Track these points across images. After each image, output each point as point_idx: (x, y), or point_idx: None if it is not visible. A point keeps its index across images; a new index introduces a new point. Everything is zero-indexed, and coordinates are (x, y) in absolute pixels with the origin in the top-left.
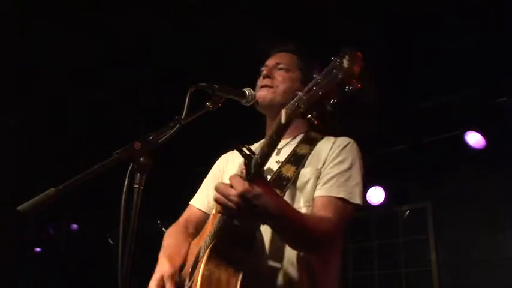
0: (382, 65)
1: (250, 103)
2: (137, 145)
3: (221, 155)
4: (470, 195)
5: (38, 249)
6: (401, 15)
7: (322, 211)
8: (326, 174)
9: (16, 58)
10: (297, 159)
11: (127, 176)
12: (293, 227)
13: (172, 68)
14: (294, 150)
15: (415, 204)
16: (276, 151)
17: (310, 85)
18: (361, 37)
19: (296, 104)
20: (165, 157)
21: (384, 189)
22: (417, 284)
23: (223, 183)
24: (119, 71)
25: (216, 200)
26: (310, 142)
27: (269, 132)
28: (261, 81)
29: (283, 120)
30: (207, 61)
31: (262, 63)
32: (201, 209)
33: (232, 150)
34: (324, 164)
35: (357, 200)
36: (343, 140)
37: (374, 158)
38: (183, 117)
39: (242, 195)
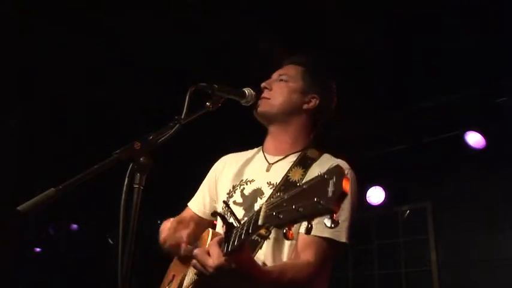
0: (382, 65)
1: (250, 103)
2: (137, 145)
3: (218, 157)
4: (470, 195)
5: (38, 249)
6: (401, 15)
7: (304, 251)
8: None
9: (16, 58)
10: (287, 188)
11: (127, 176)
12: (272, 286)
13: (172, 68)
14: (286, 175)
15: (415, 204)
16: (267, 166)
17: (295, 191)
18: (361, 37)
19: (278, 209)
20: (165, 157)
21: (384, 189)
22: (417, 284)
23: (200, 250)
24: (119, 71)
25: (194, 266)
26: (304, 164)
27: (247, 220)
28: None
29: (260, 223)
30: (207, 61)
31: (262, 65)
32: (197, 213)
33: (228, 153)
34: None
35: (343, 239)
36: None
37: (374, 158)
38: (183, 117)
39: (218, 268)
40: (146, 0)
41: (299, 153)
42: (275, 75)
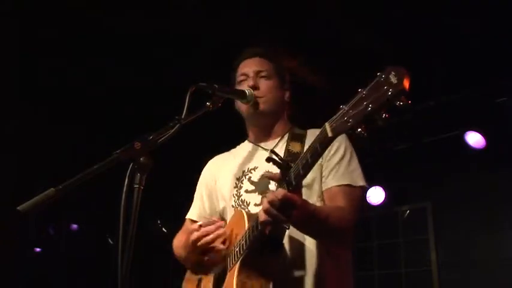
0: (382, 65)
1: (250, 103)
2: (137, 145)
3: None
4: (470, 195)
5: (38, 249)
6: (401, 15)
7: (332, 202)
8: (326, 167)
9: (16, 58)
10: (294, 158)
11: (127, 176)
12: (321, 226)
13: (172, 68)
14: (287, 149)
15: (415, 204)
16: (265, 152)
17: (355, 100)
18: (361, 37)
19: (344, 118)
20: (165, 157)
21: (384, 189)
22: (417, 284)
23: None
24: (119, 71)
25: (266, 210)
26: (298, 138)
27: (312, 143)
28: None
29: (330, 134)
30: (207, 61)
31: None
32: (199, 221)
33: (218, 154)
34: (322, 158)
35: (360, 182)
36: None
37: (374, 158)
38: (183, 117)
39: (284, 200)
40: (146, 0)
41: (287, 133)
42: (249, 71)
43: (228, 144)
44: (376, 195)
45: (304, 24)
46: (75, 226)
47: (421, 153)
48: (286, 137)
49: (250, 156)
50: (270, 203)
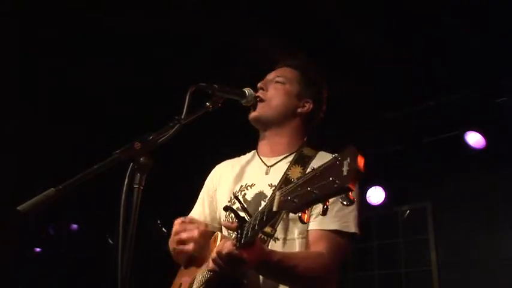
0: (382, 65)
1: (250, 103)
2: (137, 145)
3: (217, 158)
4: (470, 195)
5: (38, 249)
6: (401, 15)
7: (315, 246)
8: (317, 206)
9: (16, 58)
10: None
11: (127, 176)
12: (286, 275)
13: (172, 68)
14: (285, 174)
15: (415, 204)
16: (265, 169)
17: (308, 176)
18: (361, 37)
19: (291, 195)
20: (165, 157)
21: (384, 189)
22: (417, 284)
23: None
24: (119, 71)
25: (213, 260)
26: (302, 162)
27: (260, 211)
28: (256, 93)
29: (274, 208)
30: (207, 61)
31: (262, 65)
32: None
33: (225, 160)
34: None
35: (352, 229)
36: None
37: (374, 158)
38: (183, 117)
39: (229, 257)
40: (146, 0)
41: (295, 153)
42: (271, 76)
43: (228, 144)
44: (376, 195)
45: (304, 24)
46: (75, 226)
47: (421, 153)
48: (290, 157)
49: (250, 170)
50: (218, 254)
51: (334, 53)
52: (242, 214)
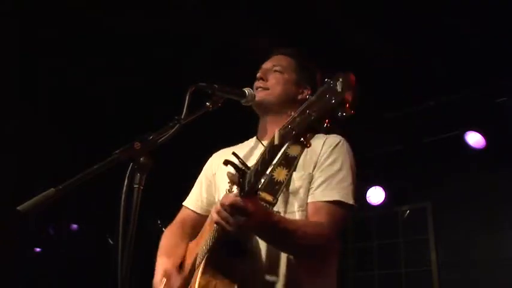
0: (382, 65)
1: (250, 103)
2: (137, 145)
3: (213, 153)
4: (470, 195)
5: (38, 249)
6: (401, 16)
7: (315, 217)
8: (318, 178)
9: (16, 58)
10: (288, 162)
11: (127, 176)
12: (286, 239)
13: (172, 68)
14: (284, 151)
15: (415, 204)
16: None
17: (303, 106)
18: (361, 37)
19: (289, 125)
20: (165, 157)
21: (384, 189)
22: (417, 284)
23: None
24: (119, 71)
25: (214, 220)
26: (301, 142)
27: (262, 151)
28: (256, 84)
29: (276, 142)
30: (207, 61)
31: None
32: (195, 210)
33: (223, 148)
34: (315, 167)
35: (350, 201)
36: (332, 140)
37: (374, 158)
38: (182, 117)
39: (233, 206)
40: (146, 0)
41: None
42: (268, 65)
43: (228, 144)
44: (376, 195)
45: (304, 25)
46: (75, 226)
47: (421, 153)
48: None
49: (250, 153)
50: (221, 205)
51: (334, 53)
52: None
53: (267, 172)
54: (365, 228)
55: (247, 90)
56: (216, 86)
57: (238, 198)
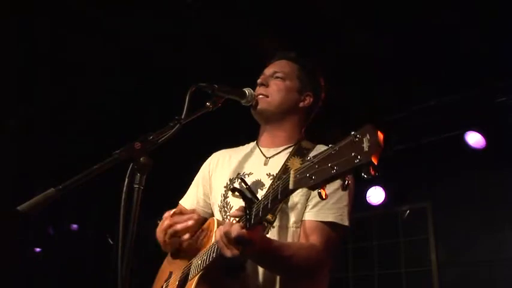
0: (382, 65)
1: (250, 103)
2: (137, 145)
3: (211, 153)
4: (470, 195)
5: (38, 249)
6: (401, 16)
7: (309, 236)
8: (315, 196)
9: (16, 58)
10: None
11: (127, 176)
12: (282, 264)
13: (172, 68)
14: (284, 164)
15: (415, 204)
16: (264, 160)
17: (324, 155)
18: (362, 38)
19: (308, 173)
20: (165, 157)
21: (384, 189)
22: (417, 284)
23: (222, 227)
24: (119, 71)
25: (217, 242)
26: (301, 154)
27: (273, 187)
28: (257, 90)
29: (291, 187)
30: (207, 61)
31: (263, 66)
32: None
33: (223, 149)
34: None
35: (345, 223)
36: None
37: None
38: (183, 117)
39: (239, 240)
40: (146, 0)
41: (294, 145)
42: (269, 71)
43: (228, 144)
44: (376, 195)
45: (304, 25)
46: (75, 226)
47: (421, 153)
48: (289, 149)
49: (249, 160)
50: (226, 234)
51: (334, 53)
52: (249, 195)
53: (267, 186)
54: (365, 228)
55: (247, 91)
56: (216, 86)
57: (245, 231)
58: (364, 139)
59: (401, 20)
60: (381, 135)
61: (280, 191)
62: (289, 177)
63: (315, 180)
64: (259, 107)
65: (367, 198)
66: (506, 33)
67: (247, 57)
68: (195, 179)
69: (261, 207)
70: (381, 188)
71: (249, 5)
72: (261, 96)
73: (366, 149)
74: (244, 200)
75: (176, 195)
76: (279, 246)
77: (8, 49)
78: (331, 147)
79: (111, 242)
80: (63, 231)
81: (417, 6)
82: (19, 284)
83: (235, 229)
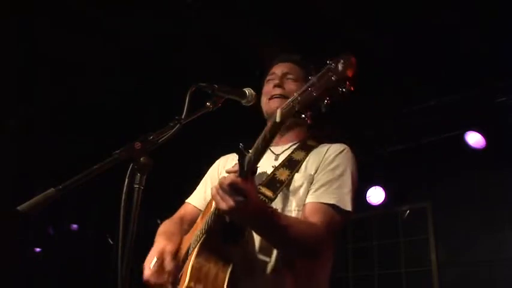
0: (382, 65)
1: (250, 103)
2: (137, 145)
3: (221, 156)
4: (470, 195)
5: (38, 249)
6: (401, 16)
7: (311, 217)
8: (318, 181)
9: (16, 58)
10: (291, 164)
11: (127, 176)
12: (279, 233)
13: (172, 67)
14: (289, 155)
15: (415, 204)
16: (274, 156)
17: (305, 86)
18: (362, 37)
19: (291, 103)
20: (165, 157)
21: (384, 189)
22: (417, 284)
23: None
24: (119, 71)
25: (213, 196)
26: (306, 149)
27: (265, 129)
28: (271, 90)
29: (277, 119)
30: (207, 61)
31: (263, 66)
32: (198, 207)
33: (222, 149)
34: (317, 170)
35: (348, 207)
36: (337, 147)
37: (374, 158)
38: (183, 117)
39: (232, 186)
40: (146, 0)
41: (300, 142)
42: (278, 71)
43: (228, 144)
44: (376, 195)
45: (304, 24)
46: (75, 226)
47: (421, 153)
48: (296, 145)
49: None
50: (220, 184)
51: (333, 54)
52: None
53: (270, 172)
54: (365, 228)
55: (247, 91)
56: (216, 86)
57: (238, 178)
58: (338, 64)
59: (401, 20)
60: (353, 58)
61: (269, 129)
62: (276, 114)
63: (298, 107)
64: (277, 106)
65: (367, 198)
66: (506, 33)
67: (247, 57)
68: (204, 178)
69: (253, 153)
70: (381, 188)
71: (249, 5)
72: (277, 98)
73: (340, 68)
74: (237, 153)
75: (176, 195)
76: (276, 213)
77: (8, 49)
78: (310, 78)
79: (111, 242)
80: (63, 231)
81: (417, 6)
82: (19, 284)
83: (229, 177)
